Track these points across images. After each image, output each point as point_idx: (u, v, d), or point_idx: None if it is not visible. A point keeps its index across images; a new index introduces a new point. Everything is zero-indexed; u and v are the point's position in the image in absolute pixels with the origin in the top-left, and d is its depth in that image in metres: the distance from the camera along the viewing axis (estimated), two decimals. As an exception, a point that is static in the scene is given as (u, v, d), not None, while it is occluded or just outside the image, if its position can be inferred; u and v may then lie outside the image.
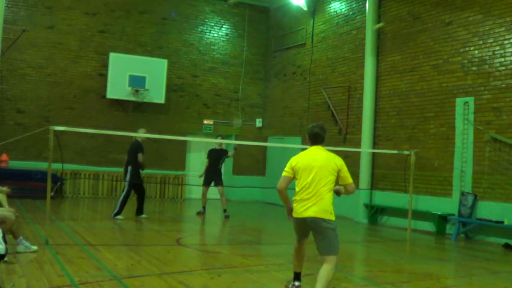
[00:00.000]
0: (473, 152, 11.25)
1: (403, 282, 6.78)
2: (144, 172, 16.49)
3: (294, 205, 5.33)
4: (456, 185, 11.54)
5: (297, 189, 5.35)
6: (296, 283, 5.67)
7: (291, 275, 5.79)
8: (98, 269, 6.38)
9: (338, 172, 5.26)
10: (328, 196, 5.20)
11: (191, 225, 12.09)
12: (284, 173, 5.43)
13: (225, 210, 12.92)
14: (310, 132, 5.51)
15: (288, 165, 5.45)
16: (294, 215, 5.36)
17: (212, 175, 12.89)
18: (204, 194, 12.96)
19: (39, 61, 15.62)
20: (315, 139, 5.48)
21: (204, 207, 13.02)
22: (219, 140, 12.90)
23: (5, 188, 7.29)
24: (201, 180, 13.06)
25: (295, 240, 5.62)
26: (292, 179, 5.41)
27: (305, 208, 5.19)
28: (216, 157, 12.96)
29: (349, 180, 5.34)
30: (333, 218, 5.20)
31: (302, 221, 5.28)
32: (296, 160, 5.41)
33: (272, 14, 18.87)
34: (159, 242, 9.15)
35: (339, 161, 5.32)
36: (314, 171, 5.22)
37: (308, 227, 5.32)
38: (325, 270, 5.08)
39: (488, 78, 11.09)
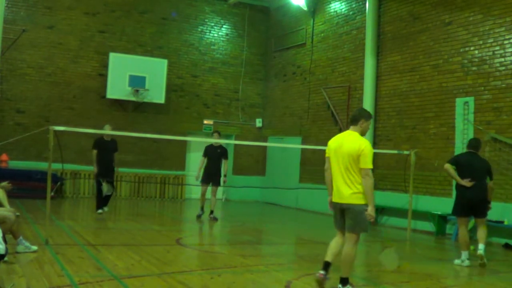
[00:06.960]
0: (473, 152, 11.23)
1: (403, 282, 6.77)
2: (145, 172, 16.70)
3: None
4: (456, 185, 11.53)
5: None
6: (321, 271, 5.61)
7: (291, 275, 5.79)
8: (98, 269, 6.37)
9: (360, 154, 5.42)
10: (356, 179, 5.41)
11: (191, 225, 12.07)
12: (326, 154, 5.78)
13: (212, 212, 12.20)
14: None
15: (327, 145, 5.78)
16: (333, 199, 5.66)
17: (212, 174, 12.19)
18: (204, 194, 12.27)
19: (39, 61, 15.62)
20: (350, 120, 5.86)
21: (202, 208, 12.32)
22: (215, 140, 12.20)
23: (5, 183, 7.15)
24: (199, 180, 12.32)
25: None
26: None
27: (338, 193, 5.52)
28: (214, 154, 12.26)
29: (365, 165, 5.44)
30: (363, 201, 5.45)
31: (338, 206, 5.59)
32: (331, 141, 5.75)
33: (272, 14, 18.87)
34: (159, 242, 9.14)
35: (363, 143, 5.53)
36: (341, 155, 5.51)
37: (342, 211, 5.60)
38: (344, 251, 5.52)
39: (488, 78, 11.09)
